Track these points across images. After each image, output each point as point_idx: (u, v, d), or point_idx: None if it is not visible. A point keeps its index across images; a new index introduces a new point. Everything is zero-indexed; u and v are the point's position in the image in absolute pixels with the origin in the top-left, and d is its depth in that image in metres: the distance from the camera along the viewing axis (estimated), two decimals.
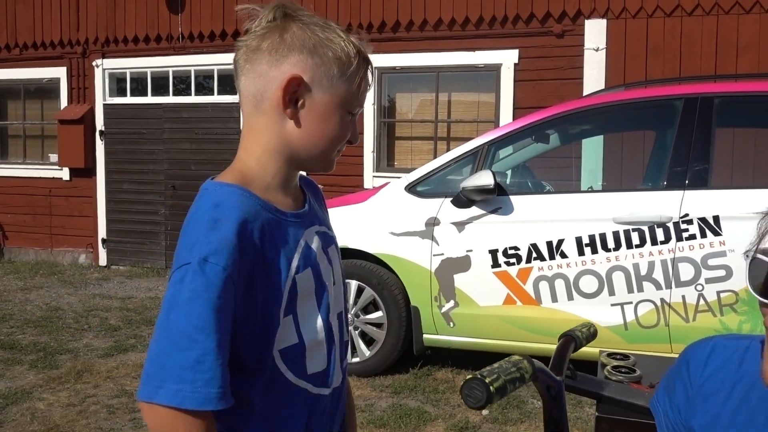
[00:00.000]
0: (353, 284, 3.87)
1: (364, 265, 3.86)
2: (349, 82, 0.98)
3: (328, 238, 1.07)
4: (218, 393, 0.88)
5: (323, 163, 1.03)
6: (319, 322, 1.01)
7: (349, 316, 3.89)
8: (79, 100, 7.99)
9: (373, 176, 6.91)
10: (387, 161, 7.13)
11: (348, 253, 3.90)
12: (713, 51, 5.86)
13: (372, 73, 1.03)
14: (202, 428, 0.88)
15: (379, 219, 3.86)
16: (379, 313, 3.82)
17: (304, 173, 1.09)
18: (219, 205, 0.92)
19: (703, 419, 0.93)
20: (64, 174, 8.07)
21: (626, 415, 1.97)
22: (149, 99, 7.77)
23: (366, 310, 3.88)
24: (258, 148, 0.99)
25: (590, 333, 1.35)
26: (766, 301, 0.75)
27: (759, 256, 0.76)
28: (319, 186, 1.17)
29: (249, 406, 0.96)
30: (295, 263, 0.97)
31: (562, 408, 1.15)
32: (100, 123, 7.88)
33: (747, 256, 0.79)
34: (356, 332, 3.89)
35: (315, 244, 1.03)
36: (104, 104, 7.89)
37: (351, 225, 3.91)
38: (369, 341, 3.89)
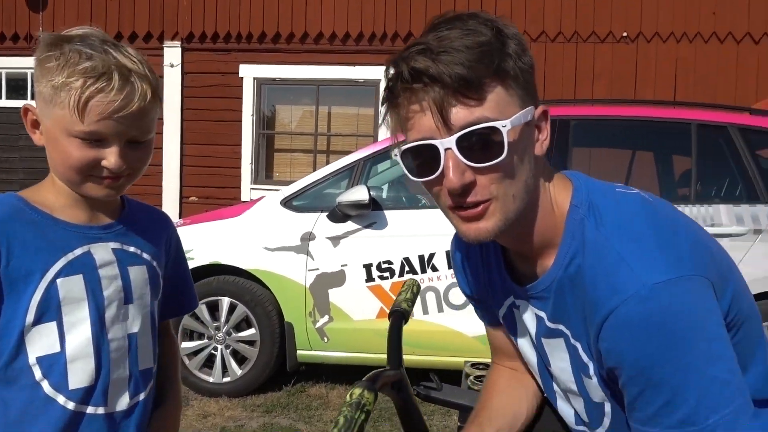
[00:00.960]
0: (225, 301, 3.75)
1: (237, 281, 3.75)
2: (61, 105, 0.94)
3: (133, 258, 1.08)
4: None
5: (78, 189, 1.01)
6: (87, 334, 1.00)
7: (221, 334, 3.76)
8: None
9: (251, 188, 6.79)
10: (266, 173, 7.02)
11: (221, 270, 3.77)
12: (573, 76, 6.32)
13: (110, 90, 0.94)
14: None
15: (254, 234, 3.78)
16: (251, 331, 3.72)
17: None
18: None
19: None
20: None
21: None
22: None
23: (238, 327, 3.77)
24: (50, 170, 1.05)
25: (414, 293, 1.29)
26: (422, 179, 0.89)
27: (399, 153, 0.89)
28: (170, 223, 1.22)
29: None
30: (57, 266, 0.98)
31: (409, 398, 1.15)
32: None
33: (395, 154, 0.91)
34: (228, 351, 3.77)
35: (102, 257, 1.03)
36: None
37: (224, 240, 3.79)
38: (241, 360, 3.78)
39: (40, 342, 0.97)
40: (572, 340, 0.95)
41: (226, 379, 3.75)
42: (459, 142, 0.83)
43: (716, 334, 0.83)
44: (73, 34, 0.98)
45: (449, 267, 3.56)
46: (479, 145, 0.83)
